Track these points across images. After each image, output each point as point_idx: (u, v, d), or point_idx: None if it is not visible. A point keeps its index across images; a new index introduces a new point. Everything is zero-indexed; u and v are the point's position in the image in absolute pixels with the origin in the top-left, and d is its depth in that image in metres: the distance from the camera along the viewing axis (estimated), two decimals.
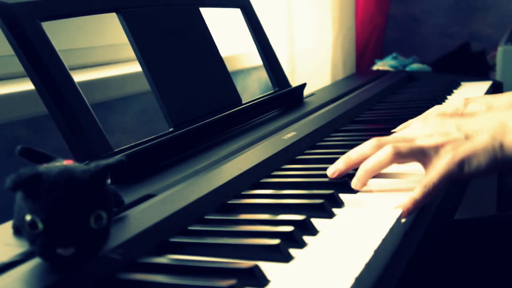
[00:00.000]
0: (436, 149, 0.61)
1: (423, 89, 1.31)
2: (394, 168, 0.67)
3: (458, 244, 0.80)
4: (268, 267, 0.45)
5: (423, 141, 0.63)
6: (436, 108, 0.80)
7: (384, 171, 0.65)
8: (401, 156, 0.61)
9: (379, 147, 0.63)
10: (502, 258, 0.77)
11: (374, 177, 0.64)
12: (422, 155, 0.62)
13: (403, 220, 0.55)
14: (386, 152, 0.61)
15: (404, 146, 0.62)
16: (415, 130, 0.66)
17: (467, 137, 0.61)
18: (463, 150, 0.60)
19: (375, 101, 1.16)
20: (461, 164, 0.60)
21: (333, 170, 0.66)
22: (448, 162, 0.60)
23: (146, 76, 0.77)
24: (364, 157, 0.64)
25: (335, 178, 0.65)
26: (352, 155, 0.65)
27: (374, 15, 1.80)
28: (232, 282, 0.41)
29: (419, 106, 0.97)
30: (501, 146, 0.60)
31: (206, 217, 0.57)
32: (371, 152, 0.64)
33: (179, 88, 0.80)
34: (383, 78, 1.43)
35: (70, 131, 0.63)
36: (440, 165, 0.60)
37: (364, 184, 0.63)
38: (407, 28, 2.21)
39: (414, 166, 0.65)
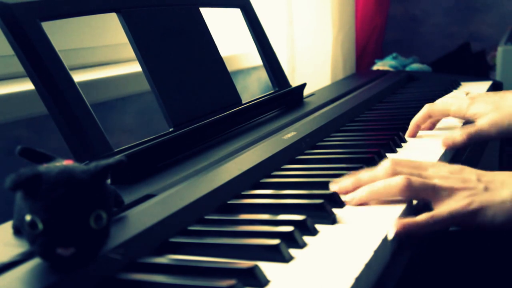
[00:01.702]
0: (451, 191, 0.59)
1: (423, 89, 1.31)
2: None
3: (457, 246, 0.80)
4: (268, 267, 0.45)
5: (439, 181, 0.60)
6: (440, 101, 0.81)
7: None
8: (412, 190, 0.59)
9: (393, 174, 0.61)
10: (500, 263, 0.76)
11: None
12: (434, 194, 0.59)
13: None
14: (398, 182, 0.58)
15: (417, 180, 0.59)
16: (431, 169, 0.63)
17: (486, 189, 0.59)
18: (481, 200, 0.58)
19: (375, 101, 1.16)
20: (475, 213, 0.57)
21: (338, 186, 0.63)
22: (463, 206, 0.57)
23: (146, 76, 0.77)
24: (375, 181, 0.61)
25: (333, 178, 0.65)
26: (364, 177, 0.62)
27: (374, 15, 1.80)
28: (232, 282, 0.41)
29: (419, 106, 0.97)
30: None
31: (206, 217, 0.57)
32: (383, 177, 0.61)
33: (179, 88, 0.80)
34: (383, 78, 1.43)
35: (70, 131, 0.63)
36: (453, 206, 0.58)
37: (359, 204, 0.60)
38: (407, 28, 2.21)
39: None
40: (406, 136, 0.88)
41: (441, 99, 0.92)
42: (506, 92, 0.85)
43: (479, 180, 0.61)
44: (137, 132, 1.03)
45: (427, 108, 0.89)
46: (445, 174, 0.62)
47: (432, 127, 0.92)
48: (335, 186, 0.63)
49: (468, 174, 0.62)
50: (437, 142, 0.82)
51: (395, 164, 0.62)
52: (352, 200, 0.60)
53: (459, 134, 0.81)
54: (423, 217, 0.56)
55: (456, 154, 0.83)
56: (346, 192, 0.62)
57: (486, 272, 0.76)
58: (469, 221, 0.58)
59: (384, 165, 0.62)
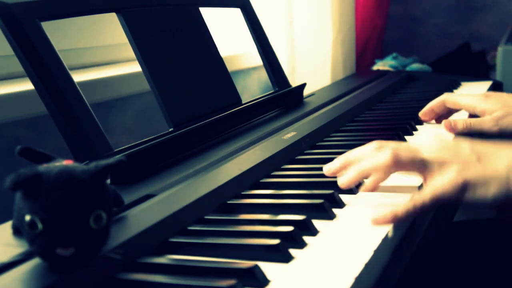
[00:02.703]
0: (441, 164, 0.56)
1: (423, 89, 1.30)
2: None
3: (457, 246, 0.80)
4: (268, 267, 0.45)
5: (428, 153, 0.58)
6: (456, 94, 0.83)
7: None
8: (400, 164, 0.57)
9: (380, 150, 0.60)
10: (502, 260, 0.77)
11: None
12: (423, 167, 0.57)
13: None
14: (385, 156, 0.58)
15: (405, 154, 0.58)
16: (425, 143, 0.62)
17: (479, 159, 0.56)
18: (472, 172, 0.55)
19: (375, 101, 1.16)
20: (464, 188, 0.55)
21: (328, 168, 0.64)
22: (450, 182, 0.55)
23: (146, 76, 0.77)
24: (362, 159, 0.61)
25: (333, 177, 0.65)
26: (350, 155, 0.62)
27: (374, 15, 1.80)
28: (232, 282, 0.41)
29: (419, 106, 0.97)
30: None
31: (206, 217, 0.57)
32: (370, 155, 0.60)
33: (179, 88, 0.80)
34: (383, 78, 1.43)
35: (70, 131, 0.63)
36: (438, 184, 0.55)
37: (352, 185, 0.60)
38: (407, 28, 2.21)
39: None
40: (420, 115, 0.95)
41: (458, 93, 0.97)
42: None
43: (472, 150, 0.58)
44: (137, 132, 1.03)
45: (444, 96, 0.93)
46: (436, 147, 0.59)
47: (440, 120, 0.94)
48: (325, 168, 0.64)
49: (460, 145, 0.59)
50: None
51: (379, 143, 0.61)
52: (343, 183, 0.60)
53: (461, 121, 0.86)
54: (402, 206, 0.54)
55: None
56: (335, 172, 0.63)
57: (486, 272, 0.76)
58: (458, 197, 0.55)
59: (370, 143, 0.62)
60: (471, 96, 0.90)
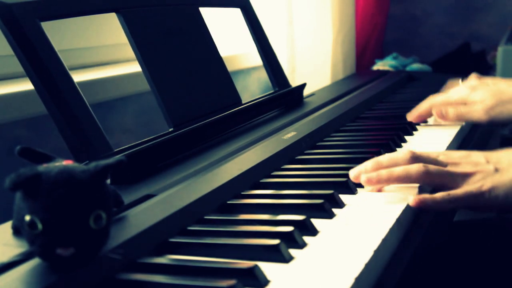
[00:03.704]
0: (465, 177, 0.63)
1: (423, 89, 1.30)
2: None
3: (458, 245, 0.80)
4: (268, 267, 0.44)
5: (452, 167, 0.64)
6: (440, 97, 0.84)
7: None
8: (430, 176, 0.62)
9: (411, 161, 0.64)
10: (502, 260, 0.77)
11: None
12: (450, 179, 0.63)
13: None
14: (417, 169, 0.62)
15: (434, 168, 0.63)
16: (441, 156, 0.67)
17: (496, 170, 0.63)
18: (492, 180, 0.61)
19: (375, 101, 1.16)
20: (488, 193, 0.61)
21: (358, 170, 0.65)
22: (477, 188, 0.61)
23: (146, 76, 0.77)
24: (394, 165, 0.64)
25: (333, 177, 0.65)
26: (383, 160, 0.65)
27: (374, 15, 1.80)
28: (232, 282, 0.41)
29: None
30: None
31: (206, 217, 0.57)
32: (403, 163, 0.64)
33: (179, 88, 0.80)
34: (383, 78, 1.43)
35: (70, 131, 0.63)
36: (469, 188, 0.61)
37: (378, 186, 0.63)
38: (407, 28, 2.20)
39: None
40: (408, 118, 0.94)
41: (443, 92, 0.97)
42: (502, 80, 0.90)
43: (488, 162, 0.64)
44: (137, 132, 1.03)
45: (430, 100, 0.93)
46: (456, 161, 0.66)
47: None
48: (354, 171, 0.65)
49: (476, 157, 0.66)
50: (437, 143, 0.82)
51: (412, 153, 0.65)
52: (372, 179, 0.62)
53: (453, 110, 0.88)
54: (440, 194, 0.60)
55: None
56: (366, 173, 0.64)
57: (487, 272, 0.76)
58: (483, 201, 0.61)
59: (403, 152, 0.66)
60: (458, 91, 0.92)
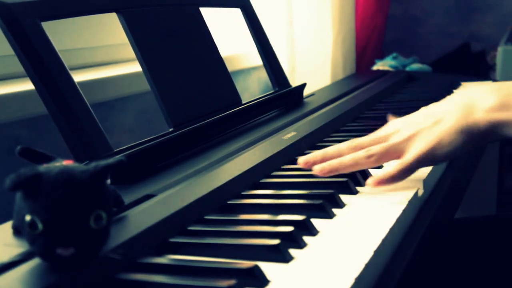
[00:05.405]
0: (408, 141, 0.64)
1: (423, 89, 1.30)
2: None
3: (458, 243, 0.80)
4: (268, 267, 0.44)
5: (394, 138, 0.65)
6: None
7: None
8: (375, 158, 0.64)
9: (355, 149, 0.66)
10: (502, 257, 0.77)
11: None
12: (395, 150, 0.64)
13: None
14: (362, 155, 0.64)
15: (377, 148, 0.64)
16: (386, 129, 0.69)
17: (436, 123, 0.63)
18: (434, 135, 0.62)
19: (375, 101, 1.16)
20: (435, 149, 0.62)
21: (307, 159, 0.67)
22: (422, 150, 0.62)
23: (146, 76, 0.77)
24: (340, 155, 0.66)
25: (333, 177, 0.65)
26: (330, 151, 0.67)
27: (374, 15, 1.80)
28: (232, 282, 0.41)
29: (419, 106, 0.97)
30: (474, 122, 0.61)
31: (206, 217, 0.57)
32: (347, 152, 0.66)
33: (179, 88, 0.80)
34: (383, 78, 1.43)
35: (70, 131, 0.63)
36: (415, 151, 0.62)
37: (328, 173, 0.64)
38: (407, 28, 2.20)
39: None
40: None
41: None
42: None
43: (426, 117, 0.65)
44: (137, 132, 1.03)
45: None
46: (398, 127, 0.67)
47: None
48: (302, 159, 0.67)
49: (415, 117, 0.66)
50: None
51: (353, 141, 0.68)
52: (324, 169, 0.64)
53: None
54: (394, 166, 0.62)
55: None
56: (313, 164, 0.66)
57: (487, 269, 0.76)
58: (435, 156, 0.62)
59: (346, 142, 0.68)
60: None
